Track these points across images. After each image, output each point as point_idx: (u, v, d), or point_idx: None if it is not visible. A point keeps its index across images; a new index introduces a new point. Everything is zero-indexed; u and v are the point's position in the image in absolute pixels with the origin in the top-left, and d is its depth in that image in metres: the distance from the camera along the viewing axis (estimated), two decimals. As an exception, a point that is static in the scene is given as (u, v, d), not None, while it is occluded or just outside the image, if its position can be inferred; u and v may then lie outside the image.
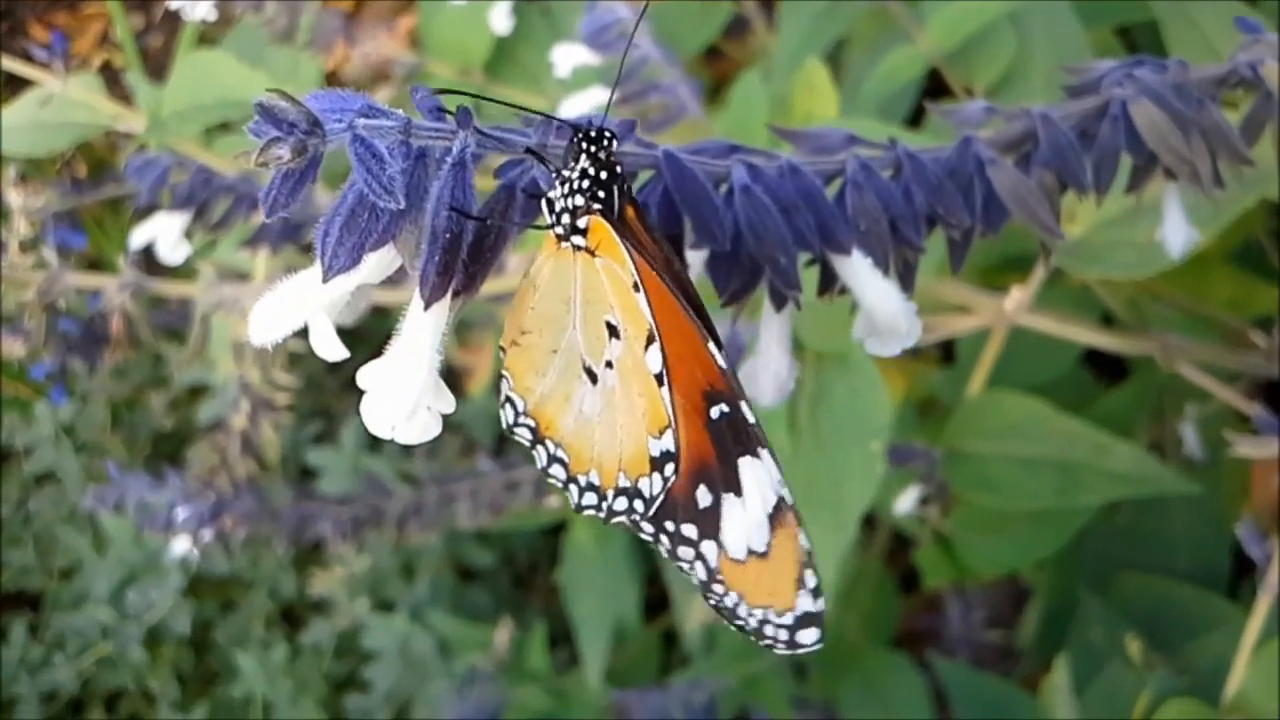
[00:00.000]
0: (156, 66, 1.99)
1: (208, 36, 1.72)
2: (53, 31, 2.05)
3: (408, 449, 1.54)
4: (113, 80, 1.75)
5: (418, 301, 0.39)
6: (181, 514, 1.21)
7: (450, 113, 0.39)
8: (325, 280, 0.36)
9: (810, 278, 0.51)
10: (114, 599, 1.56)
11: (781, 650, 0.44)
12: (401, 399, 0.38)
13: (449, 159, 0.37)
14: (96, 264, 1.84)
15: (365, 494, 1.36)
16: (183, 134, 1.21)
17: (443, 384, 0.40)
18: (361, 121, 0.34)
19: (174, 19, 1.90)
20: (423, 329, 0.38)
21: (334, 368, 1.77)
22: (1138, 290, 1.18)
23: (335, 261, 0.36)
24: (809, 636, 0.43)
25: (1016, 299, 0.99)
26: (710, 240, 0.46)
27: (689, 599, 1.39)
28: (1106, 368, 1.36)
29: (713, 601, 0.45)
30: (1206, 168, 0.53)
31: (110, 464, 1.25)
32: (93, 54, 2.07)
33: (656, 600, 1.49)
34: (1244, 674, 0.83)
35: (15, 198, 1.23)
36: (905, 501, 1.13)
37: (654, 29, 1.17)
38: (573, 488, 0.44)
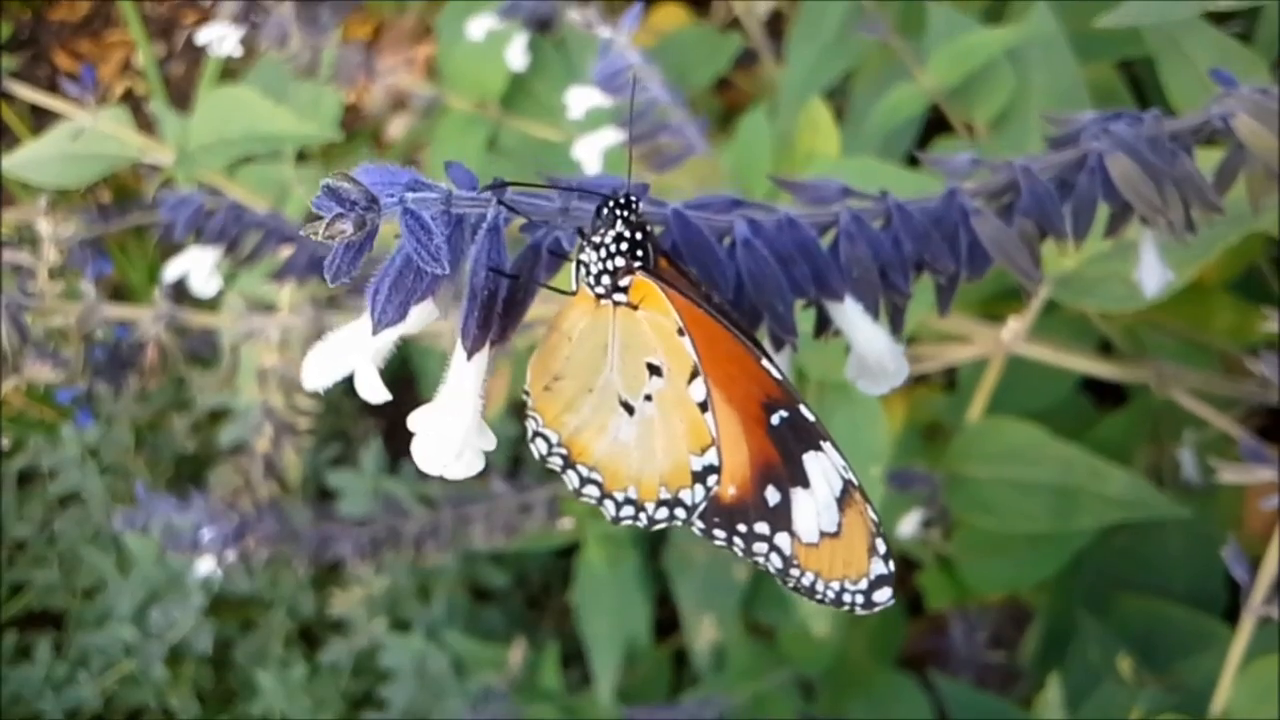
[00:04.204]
0: (179, 94, 2.03)
1: (230, 69, 1.76)
2: (80, 62, 2.10)
3: (424, 472, 1.57)
4: (135, 107, 1.79)
5: (460, 353, 0.43)
6: (207, 535, 1.24)
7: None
8: (375, 332, 0.41)
9: (808, 317, 0.55)
10: (137, 618, 1.59)
11: (860, 611, 0.49)
12: (449, 441, 0.43)
13: (484, 224, 0.42)
14: (121, 289, 1.87)
15: (383, 516, 1.38)
16: (209, 167, 1.26)
17: (485, 425, 0.44)
18: (410, 195, 0.38)
19: (196, 47, 1.93)
20: (465, 377, 0.43)
21: (351, 392, 1.80)
22: (1137, 319, 1.20)
23: (384, 316, 0.40)
24: (883, 595, 0.48)
25: (1012, 329, 1.02)
26: (714, 289, 0.50)
27: (699, 619, 1.42)
28: (1106, 393, 1.38)
29: (790, 584, 0.49)
30: (1179, 216, 0.57)
31: (138, 486, 1.28)
32: (116, 81, 2.12)
33: (667, 620, 1.51)
34: (1229, 692, 0.85)
35: (45, 226, 1.26)
36: (908, 525, 1.15)
37: (665, 63, 1.20)
38: (608, 503, 0.49)
